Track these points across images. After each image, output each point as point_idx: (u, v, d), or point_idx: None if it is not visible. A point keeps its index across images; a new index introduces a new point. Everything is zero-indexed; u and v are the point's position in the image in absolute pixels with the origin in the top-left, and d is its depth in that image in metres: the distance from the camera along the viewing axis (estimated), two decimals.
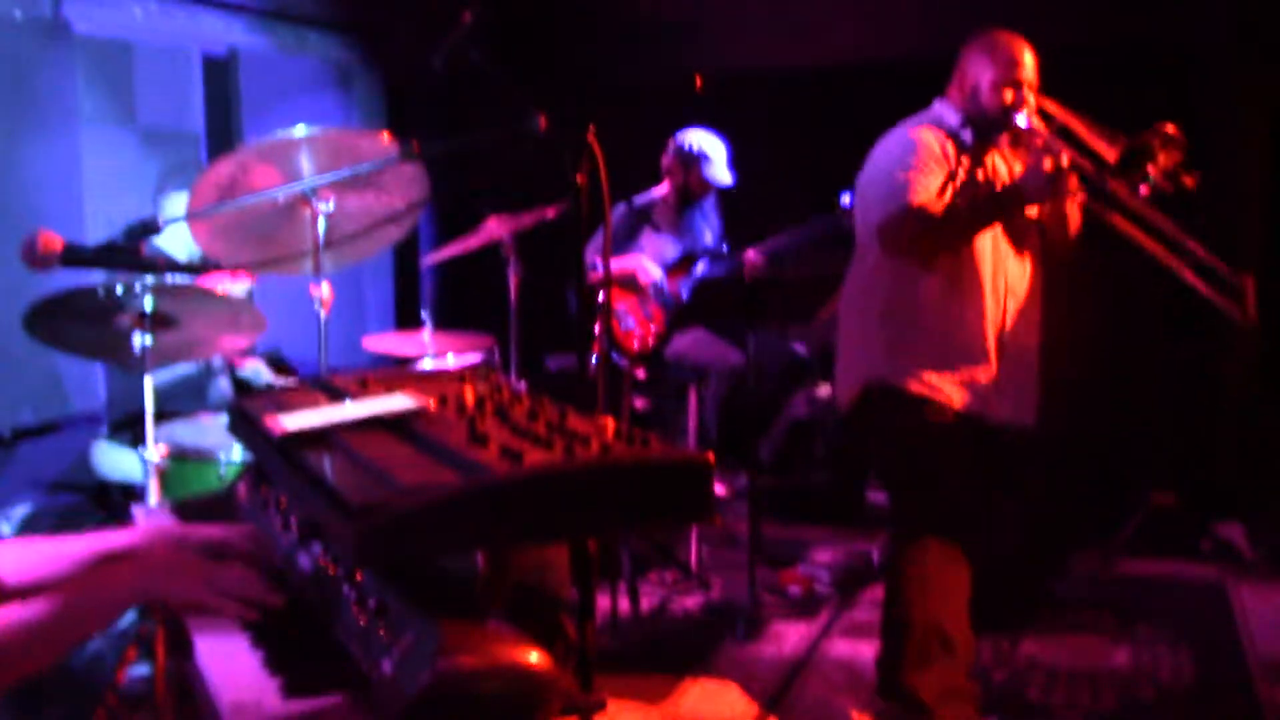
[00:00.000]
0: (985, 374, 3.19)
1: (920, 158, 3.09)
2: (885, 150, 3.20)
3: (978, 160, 3.19)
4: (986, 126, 3.17)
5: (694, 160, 5.03)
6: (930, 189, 3.06)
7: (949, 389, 3.15)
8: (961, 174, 3.12)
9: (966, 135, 3.18)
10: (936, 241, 3.09)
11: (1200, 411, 5.43)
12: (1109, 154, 2.98)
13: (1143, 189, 2.98)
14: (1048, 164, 2.97)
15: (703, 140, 5.06)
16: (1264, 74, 5.33)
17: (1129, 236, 3.14)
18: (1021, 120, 3.11)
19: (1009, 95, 3.12)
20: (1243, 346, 3.03)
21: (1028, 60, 3.14)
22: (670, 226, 5.12)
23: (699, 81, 4.71)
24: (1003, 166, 3.24)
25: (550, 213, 4.25)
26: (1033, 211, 3.24)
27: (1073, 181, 3.01)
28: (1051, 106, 3.16)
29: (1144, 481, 4.98)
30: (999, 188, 3.18)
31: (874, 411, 3.25)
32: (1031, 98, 3.14)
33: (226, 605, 1.69)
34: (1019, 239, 3.22)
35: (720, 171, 5.05)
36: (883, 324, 3.21)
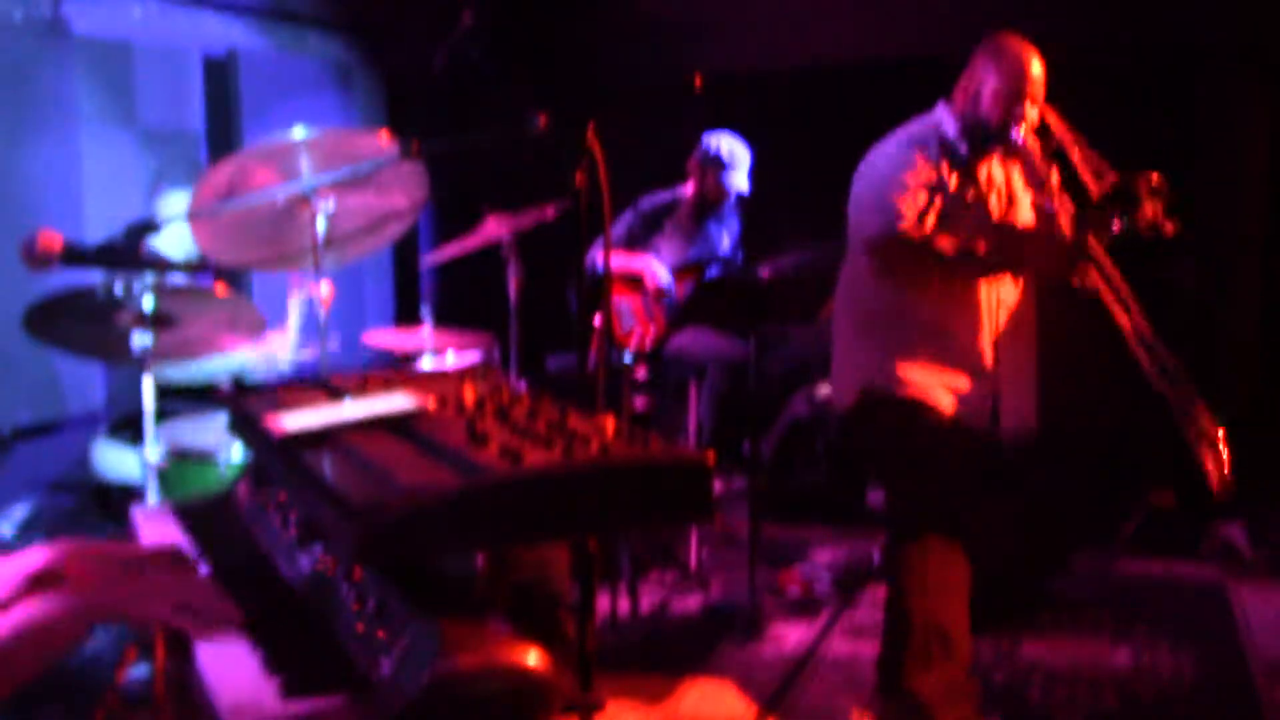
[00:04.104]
0: (980, 382, 3.20)
1: (913, 180, 3.07)
2: (879, 163, 3.17)
3: (971, 173, 3.17)
4: (983, 136, 3.14)
5: (712, 164, 5.03)
6: (920, 213, 3.04)
7: (940, 394, 3.16)
8: (953, 187, 3.11)
9: (962, 146, 3.15)
10: (924, 267, 3.11)
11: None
12: (1093, 188, 2.99)
13: (1115, 226, 2.98)
14: (1062, 237, 2.99)
15: (725, 145, 5.04)
16: (1266, 76, 5.33)
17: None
18: (1016, 135, 3.08)
19: (1009, 108, 3.08)
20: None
21: (1035, 73, 3.09)
22: (686, 230, 5.13)
23: (699, 81, 4.72)
24: (999, 173, 3.23)
25: (550, 213, 4.25)
26: (1026, 218, 3.24)
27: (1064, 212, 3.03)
28: (1053, 120, 3.14)
29: (1144, 481, 4.98)
30: (992, 199, 3.17)
31: (870, 416, 3.26)
32: (1034, 112, 3.11)
33: (193, 623, 1.63)
34: None
35: (738, 179, 5.04)
36: (874, 330, 3.23)
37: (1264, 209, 5.42)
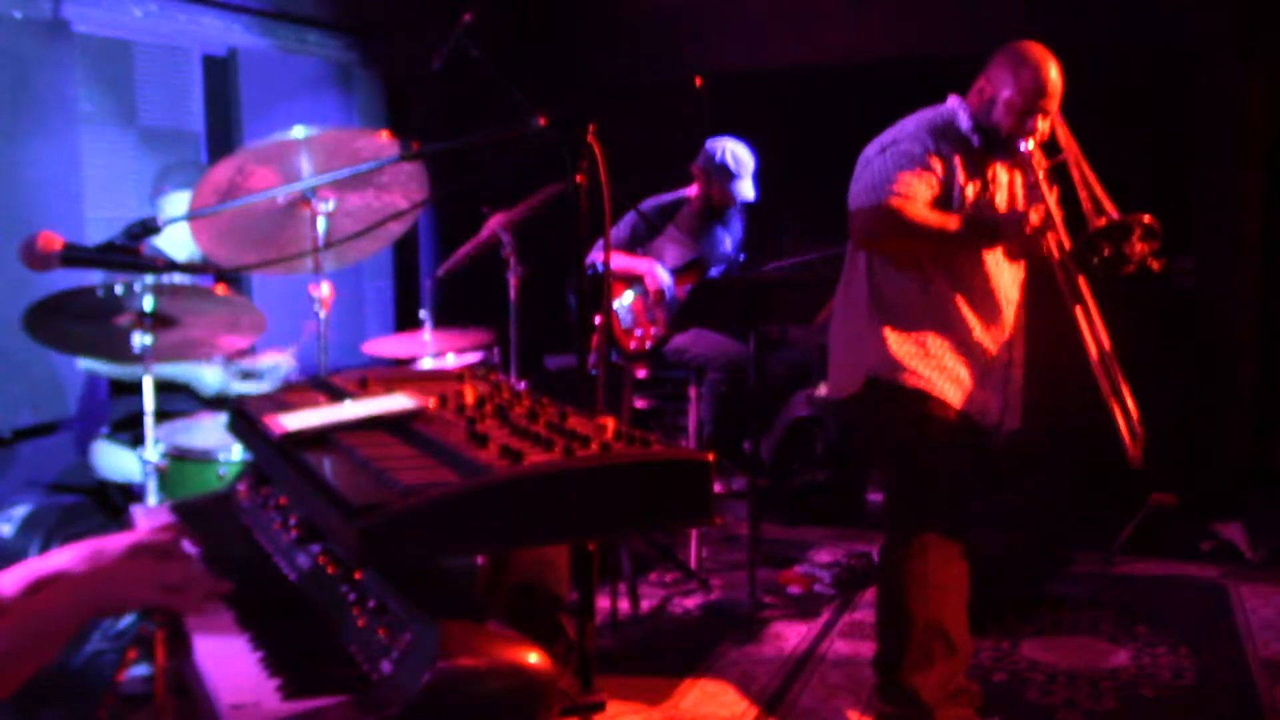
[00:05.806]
0: (986, 375, 3.18)
1: (911, 161, 3.05)
2: (884, 142, 3.15)
3: (980, 168, 3.15)
4: (992, 139, 3.12)
5: (718, 171, 5.01)
6: (913, 192, 3.03)
7: (947, 386, 3.13)
8: (961, 180, 3.10)
9: (974, 139, 3.13)
10: (899, 245, 3.10)
11: (1200, 412, 5.43)
12: (1088, 207, 3.00)
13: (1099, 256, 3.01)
14: (1034, 218, 3.02)
15: (731, 152, 5.02)
16: (1266, 76, 5.33)
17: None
18: (1023, 148, 3.06)
19: (1020, 121, 3.05)
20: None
21: (1051, 88, 3.04)
22: (690, 233, 5.12)
23: (699, 81, 4.72)
24: (1003, 175, 3.20)
25: (545, 195, 4.22)
26: (1034, 218, 3.22)
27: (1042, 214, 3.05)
28: (1062, 134, 3.11)
29: (1144, 481, 4.99)
30: (999, 197, 3.16)
31: (874, 406, 3.21)
32: (1045, 125, 3.08)
33: (180, 601, 1.64)
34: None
35: (744, 186, 5.03)
36: (884, 319, 3.18)
37: (1264, 208, 5.42)
